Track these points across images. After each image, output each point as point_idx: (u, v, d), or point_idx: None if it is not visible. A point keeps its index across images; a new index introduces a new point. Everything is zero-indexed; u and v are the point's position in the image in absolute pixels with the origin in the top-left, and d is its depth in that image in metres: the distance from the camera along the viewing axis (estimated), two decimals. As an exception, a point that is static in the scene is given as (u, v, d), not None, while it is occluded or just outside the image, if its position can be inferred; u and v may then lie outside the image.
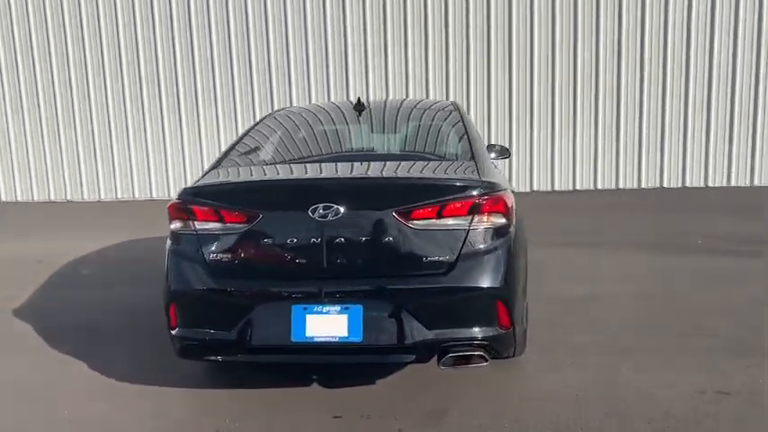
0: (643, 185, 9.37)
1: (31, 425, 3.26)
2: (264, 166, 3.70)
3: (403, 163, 3.50)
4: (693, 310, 4.44)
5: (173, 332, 3.21)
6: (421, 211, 2.98)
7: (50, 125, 10.07)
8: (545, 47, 9.23)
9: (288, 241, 3.05)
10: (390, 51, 9.44)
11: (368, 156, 3.95)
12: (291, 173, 3.59)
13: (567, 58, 9.21)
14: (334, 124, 4.41)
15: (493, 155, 4.24)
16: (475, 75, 9.40)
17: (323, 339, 2.99)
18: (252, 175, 3.57)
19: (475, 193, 3.02)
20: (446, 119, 4.18)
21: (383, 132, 4.34)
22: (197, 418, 3.24)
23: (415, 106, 4.69)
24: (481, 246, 3.00)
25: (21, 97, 10.03)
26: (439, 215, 2.98)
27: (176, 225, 3.23)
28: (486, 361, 3.03)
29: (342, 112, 4.60)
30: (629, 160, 9.38)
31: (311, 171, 3.60)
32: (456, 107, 4.39)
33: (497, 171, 3.56)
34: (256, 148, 4.00)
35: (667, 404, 3.11)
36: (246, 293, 3.11)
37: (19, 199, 10.25)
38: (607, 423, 2.98)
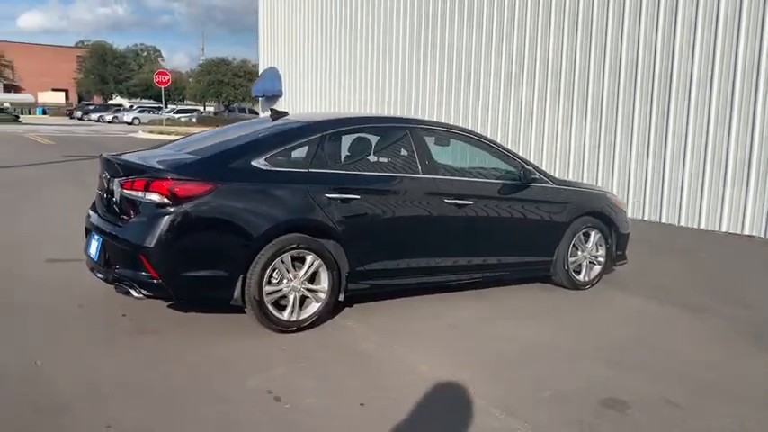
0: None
1: None
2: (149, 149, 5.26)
3: (171, 152, 4.75)
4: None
5: None
6: (125, 183, 4.22)
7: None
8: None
9: (99, 192, 4.69)
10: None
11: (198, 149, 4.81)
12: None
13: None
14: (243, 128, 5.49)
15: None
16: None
17: (92, 255, 4.52)
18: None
19: (147, 176, 4.12)
20: (264, 126, 5.01)
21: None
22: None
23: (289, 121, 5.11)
24: (145, 213, 4.10)
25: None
26: (131, 188, 4.17)
27: None
28: (137, 295, 4.11)
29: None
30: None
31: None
32: (315, 126, 4.77)
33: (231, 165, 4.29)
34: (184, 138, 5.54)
35: None
36: (88, 221, 4.74)
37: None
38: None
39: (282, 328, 4.33)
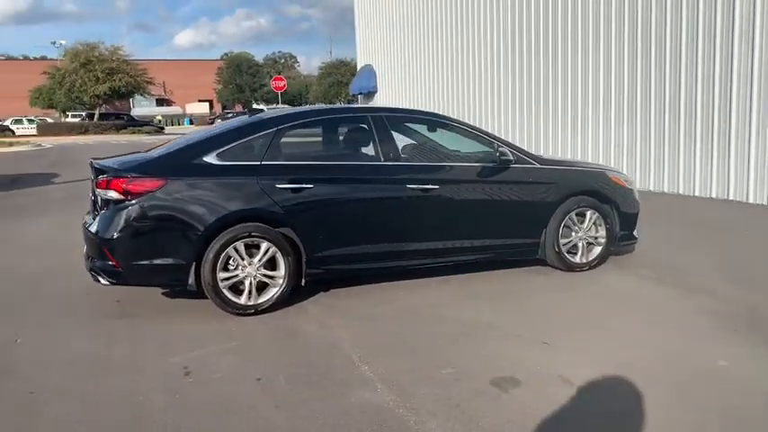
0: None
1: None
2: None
3: (145, 154, 5.25)
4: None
5: None
6: (98, 182, 4.72)
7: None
8: None
9: (89, 192, 5.20)
10: None
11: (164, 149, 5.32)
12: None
13: None
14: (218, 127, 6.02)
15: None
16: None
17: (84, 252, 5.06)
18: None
19: (109, 175, 4.62)
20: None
21: None
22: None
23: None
24: (107, 209, 4.63)
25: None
26: (99, 186, 4.68)
27: None
28: (104, 282, 4.62)
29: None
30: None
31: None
32: (274, 121, 5.11)
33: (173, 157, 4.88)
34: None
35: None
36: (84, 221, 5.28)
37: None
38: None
39: (240, 311, 4.68)
